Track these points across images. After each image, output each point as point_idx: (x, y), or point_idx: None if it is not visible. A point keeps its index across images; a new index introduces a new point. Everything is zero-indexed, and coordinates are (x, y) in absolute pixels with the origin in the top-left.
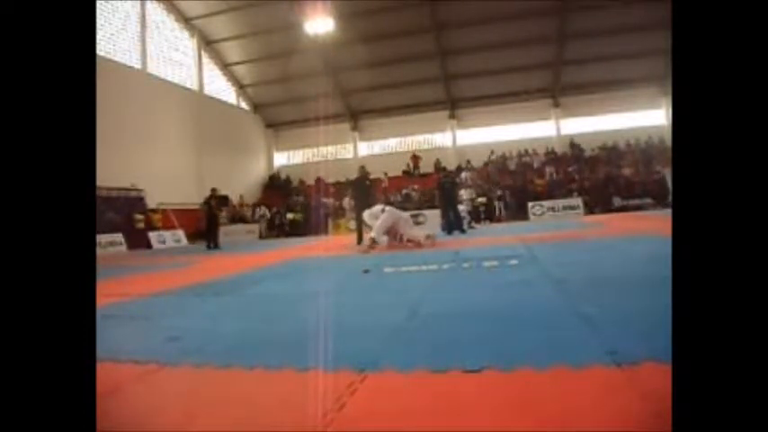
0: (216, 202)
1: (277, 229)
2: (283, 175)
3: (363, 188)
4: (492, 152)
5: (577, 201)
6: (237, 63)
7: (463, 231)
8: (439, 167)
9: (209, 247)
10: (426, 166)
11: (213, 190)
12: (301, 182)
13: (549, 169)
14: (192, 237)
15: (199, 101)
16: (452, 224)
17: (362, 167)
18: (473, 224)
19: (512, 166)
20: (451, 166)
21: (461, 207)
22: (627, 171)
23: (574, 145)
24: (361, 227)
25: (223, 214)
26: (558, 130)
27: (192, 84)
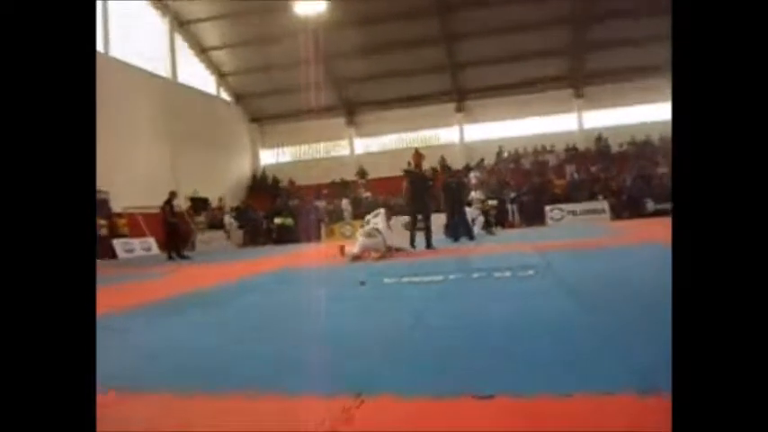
0: (172, 207)
1: (263, 235)
2: (270, 175)
3: (420, 182)
4: (501, 149)
5: (603, 204)
6: (216, 48)
7: (472, 238)
8: (444, 167)
9: (170, 258)
10: (431, 165)
11: (171, 193)
12: (291, 182)
13: (569, 168)
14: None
15: (172, 90)
16: (459, 230)
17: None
18: (493, 230)
19: (527, 164)
20: (458, 165)
21: (470, 210)
22: (661, 169)
23: (599, 140)
24: (414, 227)
25: (200, 219)
26: (581, 123)
27: (163, 71)
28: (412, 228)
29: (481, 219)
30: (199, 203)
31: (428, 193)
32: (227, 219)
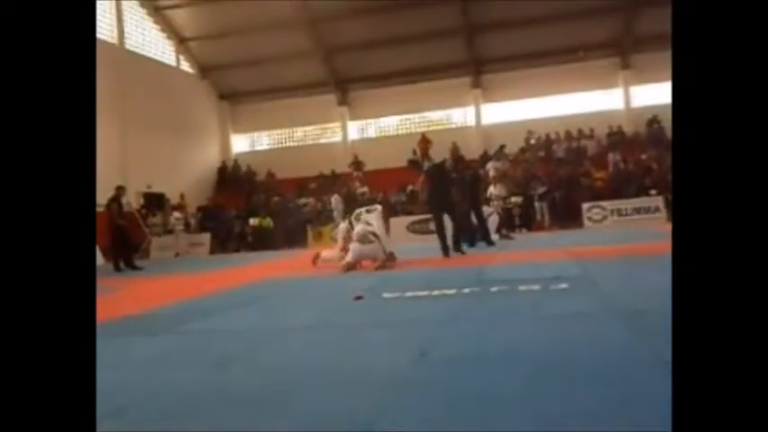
0: (119, 205)
1: (236, 239)
2: (244, 166)
3: (439, 176)
4: (529, 133)
5: (656, 201)
6: (175, 6)
7: (491, 243)
8: (457, 155)
9: (117, 269)
10: (440, 154)
11: (119, 189)
12: (269, 175)
13: (613, 156)
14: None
15: (119, 59)
16: (475, 233)
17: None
18: (509, 233)
19: (559, 152)
20: (474, 154)
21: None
22: None
23: (652, 122)
24: (443, 233)
25: (156, 220)
26: (628, 100)
27: (107, 34)
28: (440, 233)
29: (495, 218)
30: (154, 201)
31: (449, 188)
32: (174, 217)
